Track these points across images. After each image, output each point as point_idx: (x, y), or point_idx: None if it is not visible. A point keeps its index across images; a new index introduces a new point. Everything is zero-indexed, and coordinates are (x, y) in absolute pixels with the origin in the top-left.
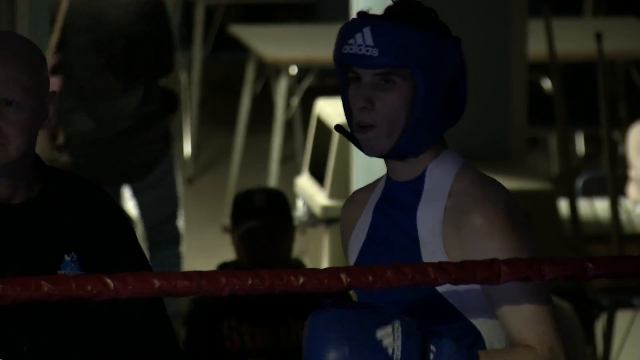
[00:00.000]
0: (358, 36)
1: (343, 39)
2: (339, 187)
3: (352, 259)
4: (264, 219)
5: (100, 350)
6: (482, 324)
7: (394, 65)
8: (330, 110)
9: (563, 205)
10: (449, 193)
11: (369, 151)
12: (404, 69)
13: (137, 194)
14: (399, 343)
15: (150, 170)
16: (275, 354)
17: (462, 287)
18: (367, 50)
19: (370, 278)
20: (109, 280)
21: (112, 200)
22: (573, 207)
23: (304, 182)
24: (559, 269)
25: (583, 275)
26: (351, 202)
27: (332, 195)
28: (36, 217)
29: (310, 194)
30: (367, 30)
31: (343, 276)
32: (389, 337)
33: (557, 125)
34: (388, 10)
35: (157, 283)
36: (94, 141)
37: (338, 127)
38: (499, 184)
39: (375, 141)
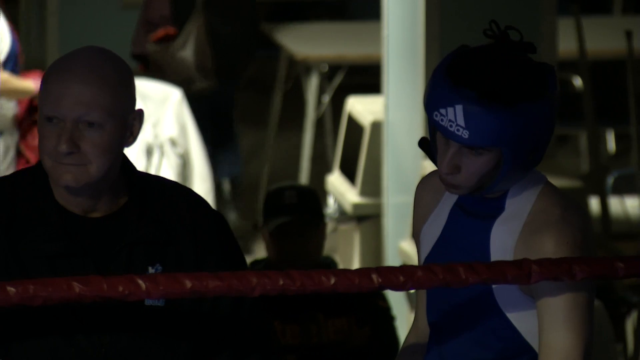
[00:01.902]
0: (450, 111)
1: (434, 103)
2: (370, 185)
3: (424, 253)
4: (294, 216)
5: (187, 350)
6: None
7: (482, 146)
8: (361, 107)
9: (593, 203)
10: (529, 213)
11: (452, 193)
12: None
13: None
14: None
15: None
16: (305, 351)
17: (521, 303)
18: (458, 130)
19: (401, 278)
20: (140, 281)
21: (206, 206)
22: (603, 205)
23: (335, 180)
24: (589, 268)
25: (613, 275)
26: (429, 186)
27: (363, 192)
28: (117, 230)
29: (341, 191)
30: (459, 109)
31: (374, 276)
32: None
33: (586, 123)
34: (484, 68)
35: (188, 283)
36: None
37: (423, 142)
38: (579, 207)
39: (458, 192)
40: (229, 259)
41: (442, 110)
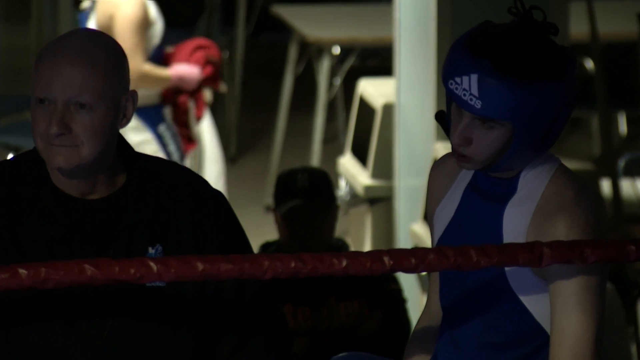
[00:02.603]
0: (465, 79)
1: (451, 71)
2: (382, 167)
3: (437, 235)
4: (306, 198)
5: (190, 334)
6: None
7: (494, 118)
8: (373, 90)
9: (605, 186)
10: (541, 196)
11: (463, 167)
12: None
13: None
14: None
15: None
16: (316, 334)
17: (534, 286)
18: (471, 99)
19: (413, 260)
20: (152, 264)
21: (205, 185)
22: (615, 188)
23: (347, 162)
24: (601, 251)
25: (625, 258)
26: (442, 169)
27: (375, 175)
28: (116, 212)
29: (353, 173)
30: (474, 78)
31: (386, 259)
32: None
33: (598, 106)
34: (504, 42)
35: (200, 266)
36: None
37: (439, 115)
38: (592, 190)
39: (469, 167)
40: (230, 239)
41: (458, 79)
